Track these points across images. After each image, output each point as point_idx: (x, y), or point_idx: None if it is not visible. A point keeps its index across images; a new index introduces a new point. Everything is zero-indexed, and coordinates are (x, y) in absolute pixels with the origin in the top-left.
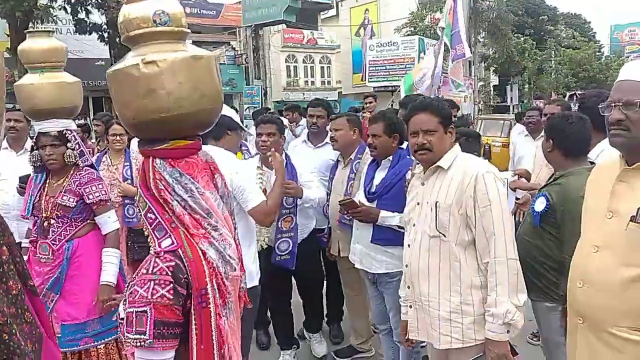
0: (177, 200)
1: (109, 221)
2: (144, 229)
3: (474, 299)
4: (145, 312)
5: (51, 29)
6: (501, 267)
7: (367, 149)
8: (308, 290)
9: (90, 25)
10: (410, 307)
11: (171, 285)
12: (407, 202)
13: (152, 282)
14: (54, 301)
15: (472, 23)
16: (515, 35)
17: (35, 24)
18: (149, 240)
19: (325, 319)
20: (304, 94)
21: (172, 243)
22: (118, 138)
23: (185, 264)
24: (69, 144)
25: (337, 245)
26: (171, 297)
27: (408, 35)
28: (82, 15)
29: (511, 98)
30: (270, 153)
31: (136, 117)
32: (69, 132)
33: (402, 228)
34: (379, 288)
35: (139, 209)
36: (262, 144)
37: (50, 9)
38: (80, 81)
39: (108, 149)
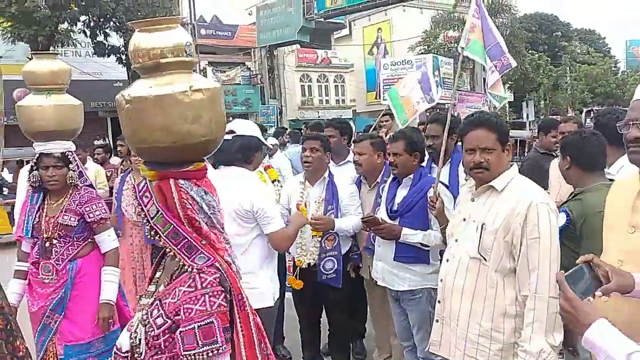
0: (202, 219)
1: (108, 239)
2: (167, 249)
3: (505, 327)
4: (212, 322)
5: (56, 52)
6: (541, 304)
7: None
8: (336, 311)
9: (109, 47)
10: (437, 321)
11: (223, 294)
12: (453, 215)
13: (207, 296)
14: (57, 322)
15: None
16: (530, 51)
17: (56, 47)
18: (176, 259)
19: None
20: (318, 112)
21: (209, 258)
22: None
23: (225, 274)
24: (70, 165)
25: (367, 268)
26: (226, 304)
27: (421, 53)
28: (100, 38)
29: (527, 114)
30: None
31: (177, 141)
32: (70, 153)
33: (425, 246)
34: (402, 305)
35: (154, 230)
36: (305, 159)
37: (71, 32)
38: (82, 104)
39: (131, 169)
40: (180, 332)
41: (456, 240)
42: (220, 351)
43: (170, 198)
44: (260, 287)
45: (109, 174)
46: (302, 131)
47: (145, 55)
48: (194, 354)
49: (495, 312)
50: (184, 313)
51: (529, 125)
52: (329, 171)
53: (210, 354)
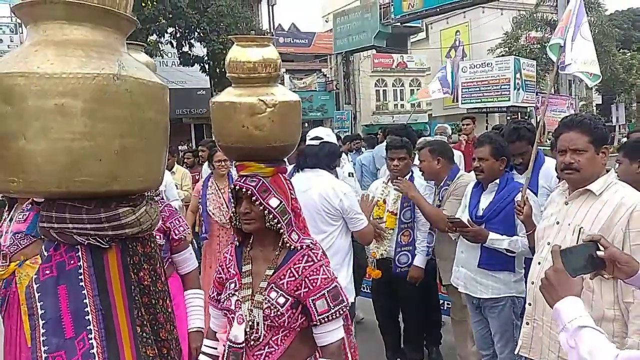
0: (300, 207)
1: (191, 257)
2: (282, 232)
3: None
4: (336, 286)
5: (142, 43)
6: None
7: (460, 174)
8: (409, 308)
9: (193, 57)
10: (527, 323)
11: (329, 263)
12: (544, 218)
13: (324, 266)
14: None
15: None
16: (621, 51)
17: None
18: (285, 242)
19: (425, 342)
20: (393, 117)
21: (312, 240)
22: (223, 163)
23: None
24: None
25: (445, 274)
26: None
27: (502, 55)
28: (185, 48)
29: (617, 118)
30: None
31: (296, 141)
32: None
33: (511, 252)
34: (483, 313)
35: (276, 219)
36: (394, 167)
37: (159, 44)
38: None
39: (212, 174)
40: (312, 299)
41: (549, 243)
42: (347, 308)
43: (286, 190)
44: (343, 283)
45: (198, 177)
46: (377, 136)
47: (265, 66)
48: (328, 316)
49: (593, 315)
50: (310, 284)
51: (619, 129)
52: (411, 170)
53: (341, 312)
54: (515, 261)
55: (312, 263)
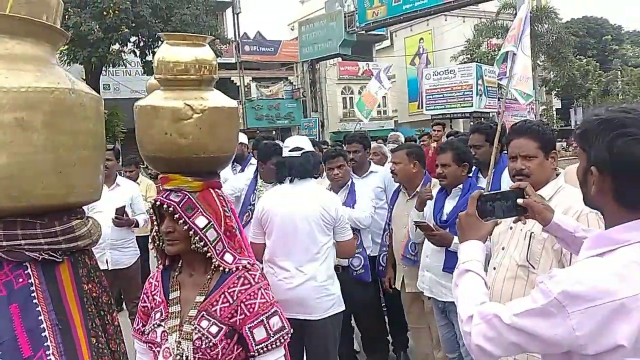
0: (236, 226)
1: None
2: (210, 255)
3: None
4: (276, 311)
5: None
6: None
7: (434, 182)
8: (364, 319)
9: None
10: None
11: (269, 285)
12: (499, 223)
13: (262, 289)
14: None
15: (531, 47)
16: (577, 57)
17: (108, 67)
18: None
19: (392, 347)
20: (360, 124)
21: (249, 260)
22: None
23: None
24: None
25: (401, 279)
26: (273, 294)
27: (464, 62)
28: (150, 57)
29: (575, 121)
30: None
31: (231, 151)
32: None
33: None
34: (448, 316)
35: (203, 242)
36: (335, 176)
37: (122, 53)
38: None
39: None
40: (249, 327)
41: (503, 248)
42: (289, 336)
43: (217, 207)
44: (337, 292)
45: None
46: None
47: (201, 68)
48: (267, 345)
49: None
50: (247, 310)
51: None
52: (352, 180)
53: (282, 340)
54: None
55: (248, 286)
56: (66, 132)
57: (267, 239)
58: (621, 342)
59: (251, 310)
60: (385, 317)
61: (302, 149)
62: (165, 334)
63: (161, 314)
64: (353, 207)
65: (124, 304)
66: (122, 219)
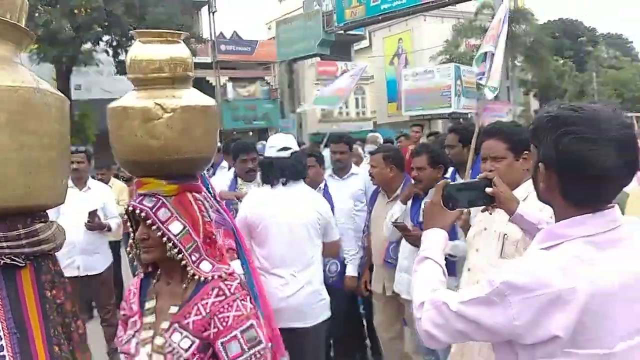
0: (217, 232)
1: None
2: (185, 262)
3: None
4: (252, 324)
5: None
6: None
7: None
8: (339, 326)
9: None
10: None
11: (248, 296)
12: (474, 224)
13: (238, 300)
14: None
15: (509, 48)
16: (554, 58)
17: (80, 67)
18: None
19: (370, 351)
20: (339, 125)
21: (229, 267)
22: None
23: (242, 279)
24: None
25: (381, 283)
26: (253, 305)
27: (443, 63)
28: (123, 56)
29: None
30: None
31: (210, 152)
32: None
33: (452, 257)
34: None
35: (177, 248)
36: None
37: (94, 52)
38: None
39: None
40: (222, 342)
41: (477, 250)
42: (267, 351)
43: (194, 212)
44: (327, 297)
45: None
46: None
47: (176, 66)
48: None
49: None
50: (220, 323)
51: None
52: (325, 182)
53: (258, 355)
54: (456, 266)
55: (222, 297)
56: (30, 132)
57: (258, 245)
58: (557, 333)
59: (224, 323)
60: (364, 321)
61: (290, 148)
62: (139, 346)
63: (137, 324)
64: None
65: (95, 310)
66: (94, 222)
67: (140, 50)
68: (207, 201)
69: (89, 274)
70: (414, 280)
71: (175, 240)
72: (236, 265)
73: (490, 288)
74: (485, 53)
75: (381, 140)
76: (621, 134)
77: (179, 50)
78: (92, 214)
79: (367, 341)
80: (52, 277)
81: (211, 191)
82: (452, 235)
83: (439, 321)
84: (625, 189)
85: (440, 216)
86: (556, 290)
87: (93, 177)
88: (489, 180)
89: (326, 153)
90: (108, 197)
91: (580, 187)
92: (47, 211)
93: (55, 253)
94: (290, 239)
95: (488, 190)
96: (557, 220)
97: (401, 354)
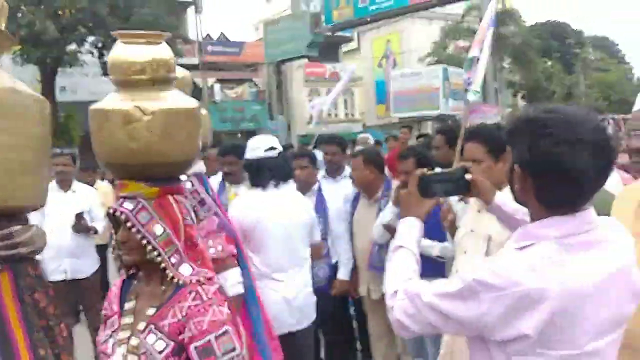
0: (199, 235)
1: (225, 283)
2: (164, 265)
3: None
4: (227, 330)
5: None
6: None
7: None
8: (328, 331)
9: None
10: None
11: (226, 302)
12: (461, 225)
13: (215, 305)
14: None
15: (496, 50)
16: (542, 60)
17: (64, 68)
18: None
19: (361, 354)
20: (327, 126)
21: (207, 272)
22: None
23: (222, 286)
24: None
25: (365, 286)
26: (229, 311)
27: (431, 64)
28: (107, 58)
29: None
30: None
31: (191, 155)
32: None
33: (442, 258)
34: None
35: (156, 252)
36: (298, 176)
37: (79, 53)
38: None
39: None
40: (196, 347)
41: (465, 252)
42: (242, 357)
43: (175, 215)
44: (315, 297)
45: None
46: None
47: (157, 68)
48: None
49: None
50: (195, 327)
51: None
52: (319, 185)
53: None
54: (445, 267)
55: (199, 302)
56: (6, 133)
57: (253, 250)
58: (526, 332)
59: (199, 328)
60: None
61: (276, 148)
62: (115, 346)
63: (114, 324)
64: (325, 214)
65: (81, 314)
66: (81, 224)
67: (121, 52)
68: (196, 198)
69: (76, 277)
70: (388, 268)
71: (155, 244)
72: (236, 273)
73: (463, 284)
74: (472, 59)
75: (372, 141)
76: (596, 137)
77: (161, 52)
78: (79, 217)
79: (358, 344)
80: (32, 281)
81: (210, 194)
82: (441, 237)
83: (411, 311)
84: (612, 191)
85: (415, 205)
86: (526, 289)
87: (80, 181)
88: (466, 169)
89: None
90: (93, 199)
91: (555, 190)
92: (31, 214)
93: (40, 257)
94: (287, 241)
95: (467, 176)
96: (532, 221)
97: (391, 355)
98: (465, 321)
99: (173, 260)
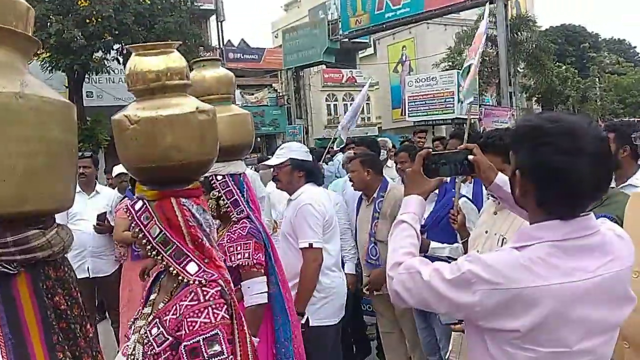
0: (205, 236)
1: (248, 292)
2: (171, 268)
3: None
4: (217, 334)
5: (217, 57)
6: None
7: (390, 187)
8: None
9: None
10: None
11: (225, 307)
12: (476, 226)
13: (210, 308)
14: None
15: (511, 55)
16: (557, 64)
17: (91, 75)
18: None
19: (376, 350)
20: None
21: (212, 274)
22: None
23: (226, 290)
24: (212, 192)
25: (366, 283)
26: (228, 317)
27: (446, 70)
28: None
29: None
30: None
31: (186, 159)
32: (215, 178)
33: (452, 259)
34: (428, 320)
35: (156, 250)
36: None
37: (105, 60)
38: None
39: None
40: (185, 345)
41: (478, 252)
42: None
43: (174, 217)
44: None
45: None
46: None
47: (151, 78)
48: None
49: None
50: (187, 326)
51: None
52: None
53: None
54: None
55: (195, 302)
56: (11, 139)
57: (326, 241)
58: (514, 327)
59: (191, 328)
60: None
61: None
62: (131, 333)
63: (138, 313)
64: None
65: (106, 312)
66: (103, 225)
67: (135, 63)
68: (229, 199)
69: (97, 276)
70: (390, 241)
71: (154, 243)
72: (260, 283)
73: (459, 273)
74: (469, 66)
75: (390, 145)
76: (597, 148)
77: (173, 60)
78: (101, 217)
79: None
80: (52, 283)
81: (245, 195)
82: (453, 239)
83: (409, 286)
84: (626, 191)
85: (419, 183)
86: (518, 289)
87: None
88: (470, 150)
89: (340, 157)
90: (115, 201)
91: (554, 197)
92: (55, 216)
93: (58, 258)
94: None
95: (470, 157)
96: (530, 223)
97: (400, 349)
98: (457, 305)
99: (176, 259)
